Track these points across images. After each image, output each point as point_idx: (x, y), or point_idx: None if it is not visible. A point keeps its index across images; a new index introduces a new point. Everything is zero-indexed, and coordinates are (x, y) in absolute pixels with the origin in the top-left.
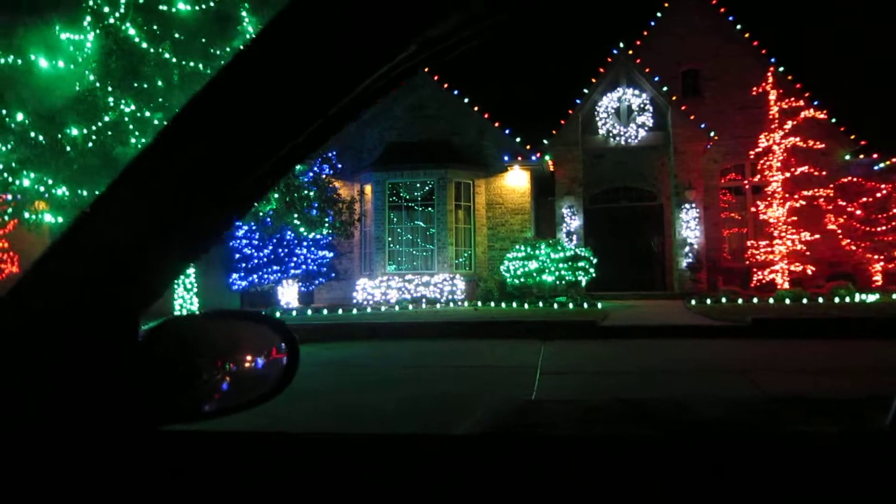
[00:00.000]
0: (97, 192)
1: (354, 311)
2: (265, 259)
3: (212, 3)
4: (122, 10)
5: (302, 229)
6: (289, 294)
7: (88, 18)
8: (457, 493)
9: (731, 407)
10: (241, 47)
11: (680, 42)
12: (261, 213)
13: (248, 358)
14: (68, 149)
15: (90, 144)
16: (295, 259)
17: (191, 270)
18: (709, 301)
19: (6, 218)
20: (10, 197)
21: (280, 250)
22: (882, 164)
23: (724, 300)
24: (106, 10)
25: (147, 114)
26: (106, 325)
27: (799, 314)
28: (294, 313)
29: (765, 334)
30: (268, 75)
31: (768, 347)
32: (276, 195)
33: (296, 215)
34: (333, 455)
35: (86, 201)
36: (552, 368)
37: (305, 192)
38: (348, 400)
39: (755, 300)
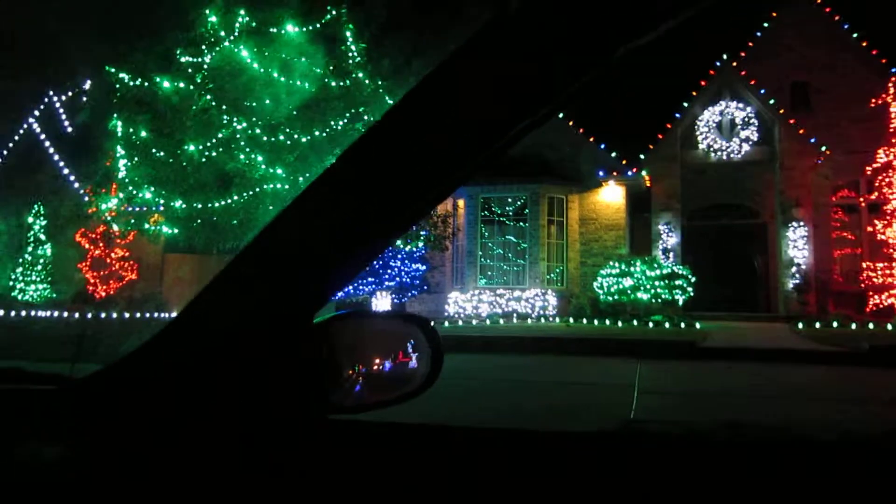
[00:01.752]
0: (210, 205)
1: (446, 323)
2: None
3: (318, 25)
4: (235, 34)
5: (399, 242)
6: (382, 305)
7: (206, 41)
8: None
9: (844, 436)
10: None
11: (788, 53)
12: None
13: (399, 355)
14: (185, 164)
15: (204, 160)
16: (389, 271)
17: None
18: (818, 325)
19: (128, 229)
20: (131, 209)
21: (375, 262)
22: None
23: (835, 324)
24: (222, 33)
25: (257, 131)
26: (293, 323)
27: None
28: None
29: (884, 363)
30: (464, 88)
31: (888, 377)
32: None
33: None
34: (486, 448)
35: (199, 213)
36: (650, 388)
37: None
38: (458, 408)
39: (871, 325)
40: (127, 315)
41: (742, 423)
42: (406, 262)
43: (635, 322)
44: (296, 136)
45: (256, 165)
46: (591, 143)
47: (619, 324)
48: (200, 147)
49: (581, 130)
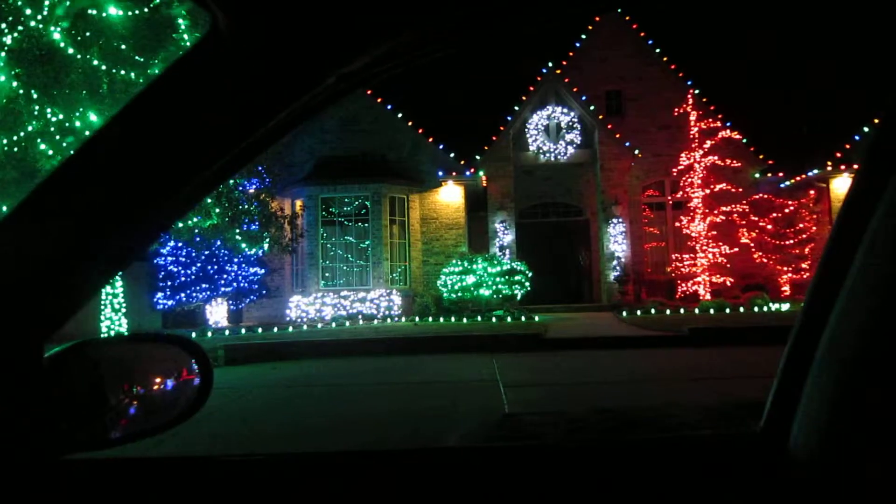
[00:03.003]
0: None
1: (290, 328)
2: (193, 276)
3: (146, 10)
4: (44, 13)
5: (244, 245)
6: (217, 313)
7: (7, 20)
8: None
9: (704, 413)
10: (158, 73)
11: (603, 63)
12: (196, 230)
13: (159, 381)
14: None
15: (5, 157)
16: (225, 276)
17: (119, 290)
18: (639, 312)
19: None
20: None
21: (210, 267)
22: (787, 182)
23: (652, 311)
24: (28, 11)
25: (77, 124)
26: (5, 350)
27: (734, 323)
28: (227, 332)
29: (702, 343)
30: (186, 101)
31: (708, 355)
32: (218, 210)
33: (237, 231)
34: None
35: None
36: (512, 381)
37: (247, 206)
38: (324, 417)
39: (682, 311)
40: None
41: (610, 409)
42: (243, 265)
43: (479, 318)
44: None
45: None
46: (431, 144)
47: (465, 320)
48: (6, 141)
49: (420, 131)
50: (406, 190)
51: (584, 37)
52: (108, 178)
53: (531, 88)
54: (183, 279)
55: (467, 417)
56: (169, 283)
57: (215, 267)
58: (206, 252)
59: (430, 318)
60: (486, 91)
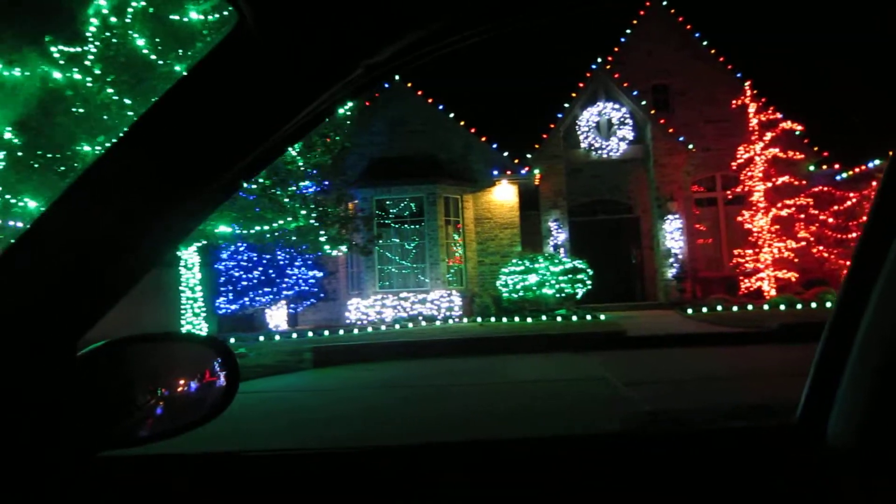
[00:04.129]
0: None
1: (355, 330)
2: (255, 281)
3: (225, 13)
4: (128, 19)
5: (327, 247)
6: (277, 316)
7: (93, 27)
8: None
9: None
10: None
11: (649, 57)
12: (277, 233)
13: (186, 380)
14: (76, 166)
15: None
16: (287, 279)
17: (199, 294)
18: (704, 310)
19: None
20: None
21: (271, 271)
22: (844, 175)
23: (719, 308)
24: (113, 20)
25: None
26: (40, 349)
27: (818, 319)
28: (294, 335)
29: (790, 339)
30: (215, 95)
31: (801, 351)
32: (304, 211)
33: (322, 233)
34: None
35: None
36: (628, 379)
37: (330, 209)
38: (465, 413)
39: (749, 307)
40: None
41: (757, 405)
42: (301, 268)
43: (543, 317)
44: None
45: None
46: (483, 143)
47: (529, 320)
48: (98, 148)
49: (473, 130)
50: (459, 190)
51: (629, 31)
52: (139, 175)
53: (581, 85)
54: (245, 283)
55: (603, 415)
56: (231, 288)
57: (276, 270)
58: (268, 256)
59: (493, 318)
60: (532, 88)
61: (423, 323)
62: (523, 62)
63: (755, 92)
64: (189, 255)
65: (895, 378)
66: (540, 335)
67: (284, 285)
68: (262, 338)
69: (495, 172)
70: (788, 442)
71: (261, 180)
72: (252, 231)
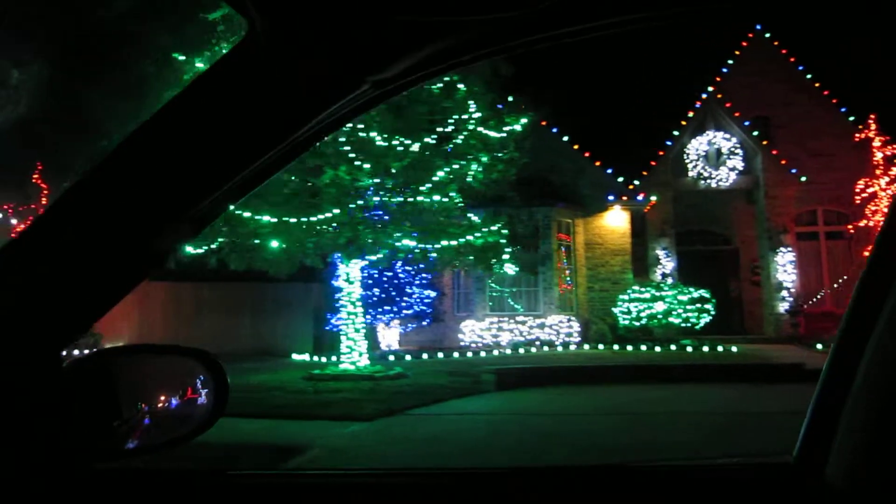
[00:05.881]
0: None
1: (483, 353)
2: (375, 298)
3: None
4: None
5: (509, 265)
6: (390, 336)
7: None
8: None
9: None
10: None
11: (750, 90)
12: (460, 249)
13: (175, 392)
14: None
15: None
16: (406, 299)
17: (359, 310)
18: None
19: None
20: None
21: (391, 289)
22: None
23: None
24: None
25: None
26: (25, 359)
27: None
28: (409, 356)
29: None
30: (222, 103)
31: None
32: (495, 226)
33: (508, 249)
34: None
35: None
36: None
37: (520, 226)
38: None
39: None
40: None
41: None
42: (420, 287)
43: (673, 347)
44: (406, 142)
45: (357, 174)
46: (597, 168)
47: (657, 349)
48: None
49: (587, 154)
50: (571, 214)
51: (730, 62)
52: (134, 183)
53: (690, 113)
54: (366, 301)
55: None
56: None
57: (395, 288)
58: (389, 273)
59: (616, 346)
60: (637, 116)
61: (546, 349)
62: (625, 89)
63: (879, 127)
64: (351, 269)
65: (894, 420)
66: (706, 365)
67: (404, 304)
68: (408, 357)
69: (611, 197)
70: (786, 479)
71: (451, 194)
72: (438, 246)
